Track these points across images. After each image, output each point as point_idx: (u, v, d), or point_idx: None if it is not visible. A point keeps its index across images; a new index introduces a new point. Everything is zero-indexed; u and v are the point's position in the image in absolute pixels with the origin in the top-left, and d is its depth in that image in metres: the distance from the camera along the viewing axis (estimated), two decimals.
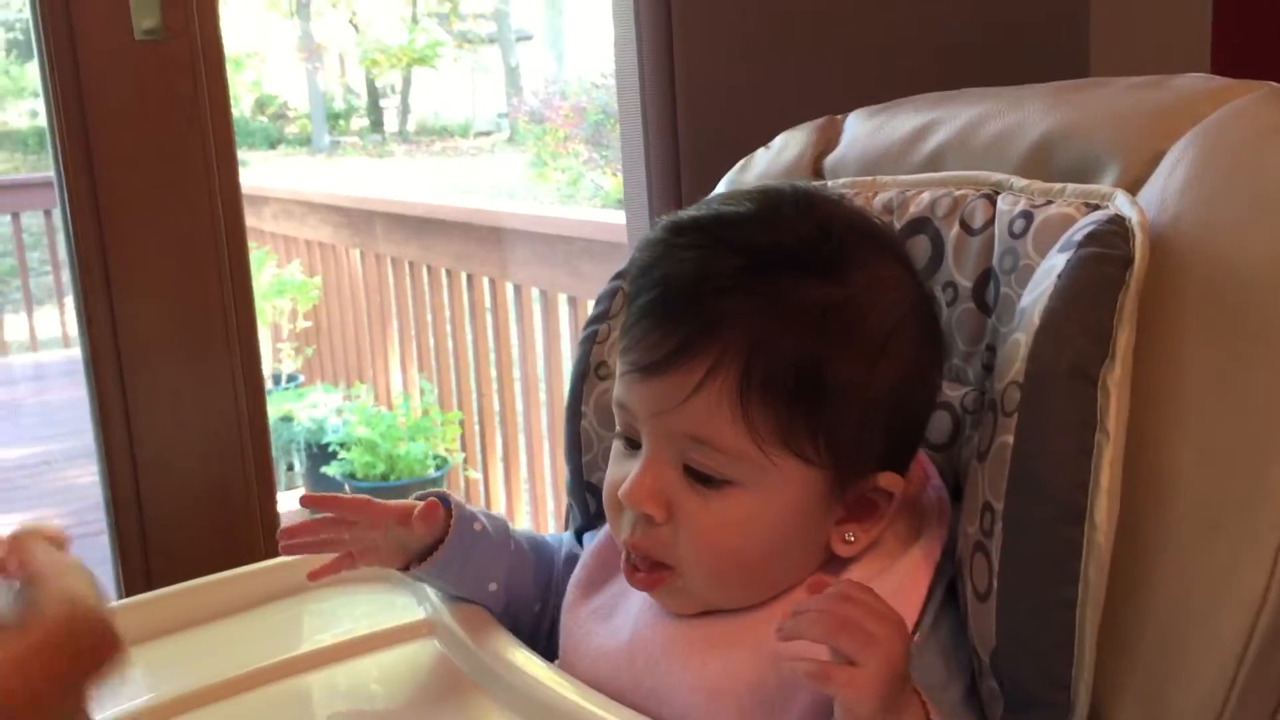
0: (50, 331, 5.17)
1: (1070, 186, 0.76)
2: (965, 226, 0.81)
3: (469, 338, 3.06)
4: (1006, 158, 0.84)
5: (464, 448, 3.33)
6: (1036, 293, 0.70)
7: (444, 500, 0.82)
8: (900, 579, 0.71)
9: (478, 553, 0.82)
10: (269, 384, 3.63)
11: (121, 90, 1.24)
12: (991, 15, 1.34)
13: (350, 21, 9.94)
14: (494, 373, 3.01)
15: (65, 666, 0.51)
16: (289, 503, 2.57)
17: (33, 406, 4.69)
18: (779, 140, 1.04)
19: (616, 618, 0.78)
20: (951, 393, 0.81)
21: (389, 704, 0.78)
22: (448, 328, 3.18)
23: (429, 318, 3.26)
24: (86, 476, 3.21)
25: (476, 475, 3.24)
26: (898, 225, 0.85)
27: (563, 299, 2.63)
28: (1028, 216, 0.77)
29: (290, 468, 3.87)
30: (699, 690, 0.71)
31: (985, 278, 0.80)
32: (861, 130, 0.97)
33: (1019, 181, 0.80)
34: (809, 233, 0.70)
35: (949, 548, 0.74)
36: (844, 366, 0.68)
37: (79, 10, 1.22)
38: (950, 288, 0.82)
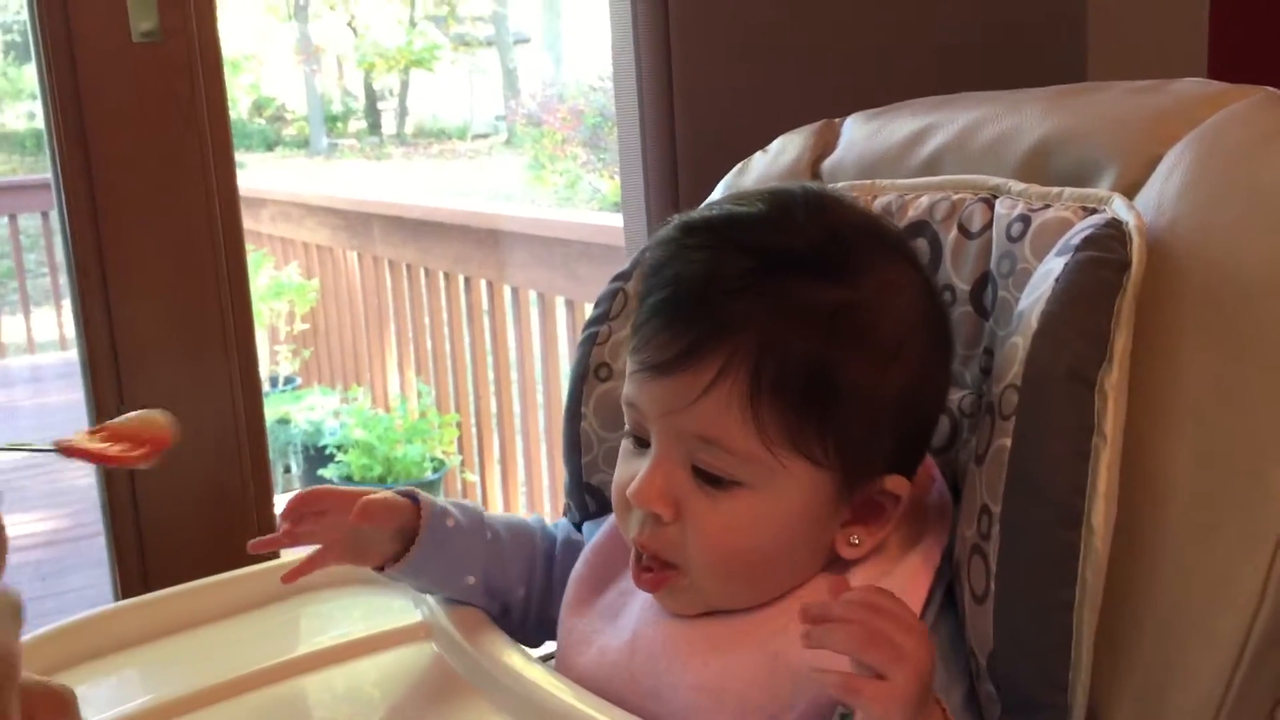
0: (47, 334, 5.17)
1: (1068, 190, 0.77)
2: (963, 230, 0.82)
3: (466, 340, 3.06)
4: (1004, 161, 0.84)
5: (461, 450, 3.33)
6: (1034, 296, 0.70)
7: (414, 498, 0.81)
8: (901, 583, 0.71)
9: (451, 548, 0.81)
10: (266, 386, 3.63)
11: (119, 92, 1.24)
12: (989, 19, 1.34)
13: (348, 24, 9.94)
14: (491, 375, 3.00)
15: None
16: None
17: (30, 408, 4.69)
18: (776, 144, 1.04)
19: (622, 617, 0.78)
20: (949, 396, 0.81)
21: (386, 706, 0.78)
22: (445, 330, 3.18)
23: (426, 320, 3.26)
24: (84, 478, 3.20)
25: (474, 478, 3.24)
26: None
27: (560, 301, 2.63)
28: (1025, 220, 0.77)
29: (287, 470, 3.87)
30: (699, 690, 0.71)
31: (983, 281, 0.80)
32: (859, 134, 0.98)
33: (1017, 185, 0.80)
34: (820, 235, 0.70)
35: (947, 551, 0.74)
36: (855, 369, 0.68)
37: (77, 12, 1.22)
38: (948, 291, 0.82)
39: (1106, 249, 0.68)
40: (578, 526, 0.92)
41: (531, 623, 0.86)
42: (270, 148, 9.77)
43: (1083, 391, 0.66)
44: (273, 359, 4.09)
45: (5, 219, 4.96)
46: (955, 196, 0.83)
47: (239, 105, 9.28)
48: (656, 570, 0.73)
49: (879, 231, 0.76)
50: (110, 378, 1.28)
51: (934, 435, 0.79)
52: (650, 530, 0.72)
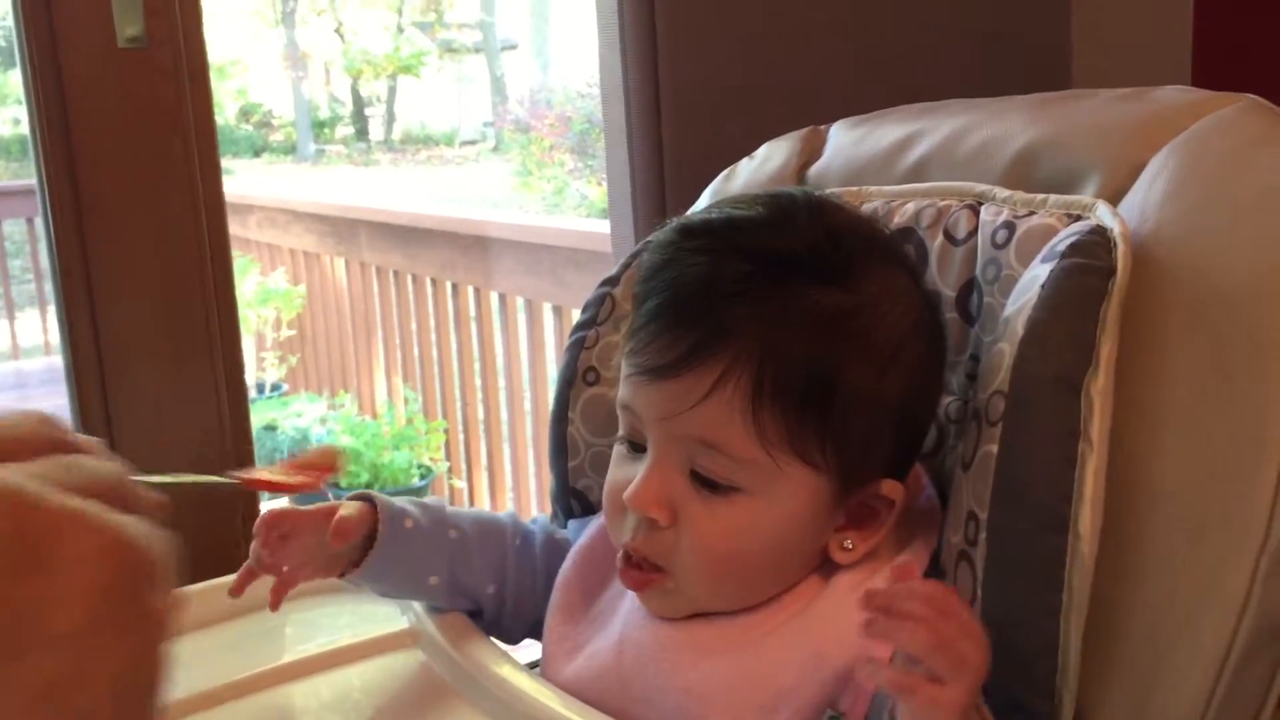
0: (32, 339, 5.14)
1: (1052, 197, 0.77)
2: (949, 237, 0.82)
3: (454, 347, 3.06)
4: (989, 169, 0.84)
5: (448, 456, 3.32)
6: (1020, 303, 0.70)
7: (370, 500, 0.80)
8: None
9: (412, 550, 0.80)
10: (252, 393, 3.62)
11: (104, 98, 1.24)
12: (975, 27, 1.35)
13: (335, 30, 9.94)
14: (478, 381, 3.00)
15: None
16: None
17: None
18: (763, 150, 1.04)
19: (611, 623, 0.78)
20: None
21: (373, 714, 0.78)
22: (432, 337, 3.18)
23: (413, 326, 3.25)
24: None
25: (461, 484, 3.23)
26: None
27: (547, 308, 2.63)
28: (1010, 227, 0.77)
29: None
30: (688, 693, 0.71)
31: (968, 288, 0.80)
32: (845, 141, 0.98)
33: (1002, 192, 0.80)
34: (819, 239, 0.70)
35: (934, 557, 0.74)
36: (855, 373, 0.68)
37: (62, 18, 1.22)
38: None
39: (1092, 256, 0.69)
40: (562, 525, 0.91)
41: (506, 620, 0.85)
42: (257, 154, 9.74)
43: (1069, 398, 0.66)
44: (259, 365, 4.07)
45: None
46: (941, 203, 0.84)
47: (226, 111, 9.27)
48: (645, 570, 0.73)
49: (877, 236, 0.76)
50: (95, 383, 1.27)
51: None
52: (644, 535, 0.72)
